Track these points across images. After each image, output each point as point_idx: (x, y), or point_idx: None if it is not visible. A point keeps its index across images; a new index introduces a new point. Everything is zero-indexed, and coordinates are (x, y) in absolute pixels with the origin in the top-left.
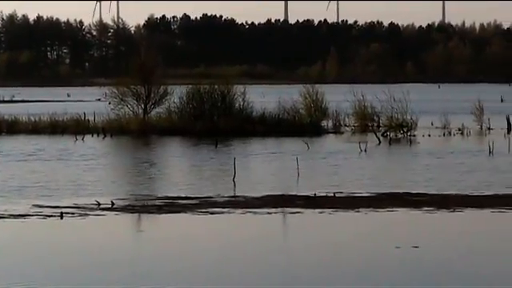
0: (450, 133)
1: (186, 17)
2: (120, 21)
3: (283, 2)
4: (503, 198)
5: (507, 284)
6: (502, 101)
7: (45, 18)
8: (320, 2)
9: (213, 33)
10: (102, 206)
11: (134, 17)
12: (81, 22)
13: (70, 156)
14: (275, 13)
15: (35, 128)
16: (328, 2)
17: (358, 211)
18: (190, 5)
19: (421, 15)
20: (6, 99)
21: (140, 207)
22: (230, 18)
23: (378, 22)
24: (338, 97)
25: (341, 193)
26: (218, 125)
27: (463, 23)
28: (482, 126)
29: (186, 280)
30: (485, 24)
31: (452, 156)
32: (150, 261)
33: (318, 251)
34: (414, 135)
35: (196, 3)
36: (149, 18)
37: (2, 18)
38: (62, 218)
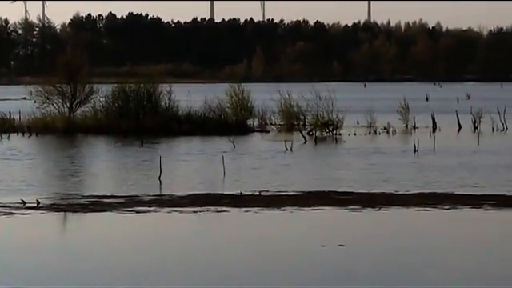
0: (375, 131)
1: (111, 15)
2: (46, 19)
3: (209, 0)
4: (428, 196)
5: (430, 280)
6: (427, 99)
7: None
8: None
9: (139, 31)
10: (27, 205)
11: (60, 15)
12: (6, 21)
13: None
14: (201, 11)
15: None
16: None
17: (284, 210)
18: (116, 3)
19: (346, 14)
20: None
21: (66, 206)
22: (155, 16)
23: (303, 20)
24: (264, 95)
25: (266, 191)
26: (143, 123)
27: (388, 22)
28: (407, 125)
29: (109, 278)
30: (410, 23)
31: (377, 155)
32: (74, 259)
33: (244, 250)
34: (340, 134)
35: (122, 2)
36: (74, 17)
37: None
38: None
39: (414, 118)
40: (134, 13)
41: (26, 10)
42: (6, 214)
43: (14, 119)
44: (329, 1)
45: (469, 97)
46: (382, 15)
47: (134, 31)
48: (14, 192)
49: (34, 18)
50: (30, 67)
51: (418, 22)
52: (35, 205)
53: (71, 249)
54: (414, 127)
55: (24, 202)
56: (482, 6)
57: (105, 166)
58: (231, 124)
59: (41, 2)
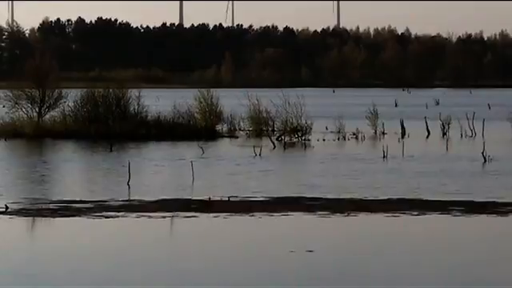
0: (344, 137)
1: (80, 20)
2: (14, 24)
3: (178, 4)
4: (396, 202)
5: (399, 285)
6: (396, 105)
7: None
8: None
9: (108, 36)
10: None
11: (29, 20)
12: None
13: None
14: (170, 16)
15: None
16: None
17: (253, 215)
18: (86, 7)
19: (316, 20)
20: None
21: (34, 211)
22: (125, 21)
23: (272, 26)
24: (233, 101)
25: (235, 197)
26: (112, 128)
27: (358, 28)
28: (376, 131)
29: (76, 284)
30: (379, 29)
31: (346, 160)
32: (43, 264)
33: (212, 256)
34: (309, 139)
35: (92, 5)
36: (43, 21)
37: None
38: None
39: (383, 123)
40: (104, 17)
41: None
42: None
43: None
44: (299, 1)
45: (438, 103)
46: (351, 21)
47: (103, 36)
48: None
49: (2, 23)
50: None
51: (387, 28)
52: (4, 209)
53: (39, 254)
54: (383, 133)
55: None
56: (451, 12)
57: (74, 171)
58: (200, 129)
59: (10, 7)
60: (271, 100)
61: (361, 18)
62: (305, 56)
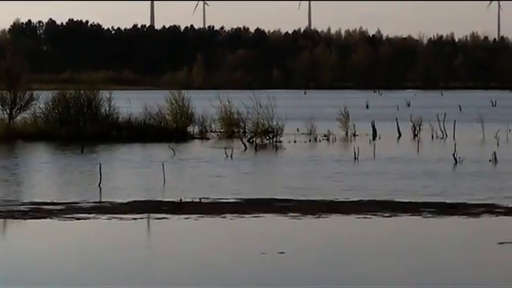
0: (315, 139)
1: (51, 22)
2: None
3: (149, 5)
4: (368, 204)
5: (367, 285)
6: (367, 107)
7: None
8: (187, 8)
9: (79, 38)
10: None
11: (0, 22)
12: None
13: None
14: (141, 18)
15: None
16: (196, 4)
17: (224, 217)
18: (57, 8)
19: (287, 22)
20: None
21: (5, 213)
22: (96, 23)
23: (244, 27)
24: (204, 103)
25: (207, 198)
26: (84, 130)
27: (329, 29)
28: (347, 132)
29: (49, 284)
30: (350, 30)
31: (317, 162)
32: (13, 266)
33: (183, 257)
34: (280, 141)
35: (63, 5)
36: (14, 23)
37: None
38: None
39: (354, 125)
40: (75, 19)
41: None
42: None
43: None
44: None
45: (409, 104)
46: (323, 23)
47: (74, 38)
48: None
49: None
50: None
51: (358, 29)
52: None
53: (10, 255)
54: (354, 135)
55: None
56: (422, 14)
57: (45, 172)
58: (171, 131)
59: None
60: (242, 102)
61: (332, 20)
62: (276, 58)
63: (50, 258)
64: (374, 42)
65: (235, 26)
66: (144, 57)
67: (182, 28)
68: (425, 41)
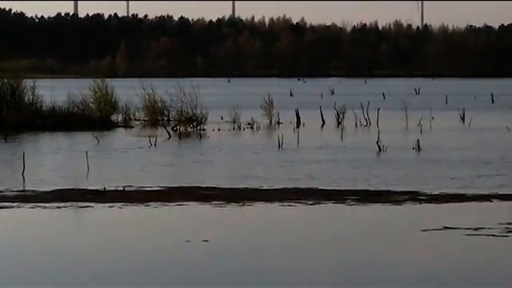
0: (239, 127)
1: None
2: None
3: None
4: (292, 191)
5: (292, 276)
6: (291, 95)
7: None
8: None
9: (2, 26)
10: None
11: None
12: None
13: None
14: (65, 7)
15: None
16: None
17: (148, 205)
18: None
19: (211, 10)
20: None
21: None
22: (19, 11)
23: (168, 16)
24: (128, 91)
25: (130, 187)
26: (7, 119)
27: (253, 18)
28: (271, 120)
29: None
30: (274, 18)
31: (241, 150)
32: None
33: (107, 247)
34: (204, 129)
35: None
36: None
37: None
38: None
39: (278, 113)
40: None
41: None
42: None
43: None
44: None
45: (333, 92)
46: (247, 11)
47: None
48: None
49: None
50: None
51: (281, 17)
52: None
53: None
54: (278, 122)
55: None
56: (346, 1)
57: None
58: (95, 119)
59: None
60: (166, 90)
61: (256, 8)
62: (200, 46)
63: None
64: (298, 30)
65: (159, 15)
66: (68, 45)
67: (106, 16)
68: (348, 29)
